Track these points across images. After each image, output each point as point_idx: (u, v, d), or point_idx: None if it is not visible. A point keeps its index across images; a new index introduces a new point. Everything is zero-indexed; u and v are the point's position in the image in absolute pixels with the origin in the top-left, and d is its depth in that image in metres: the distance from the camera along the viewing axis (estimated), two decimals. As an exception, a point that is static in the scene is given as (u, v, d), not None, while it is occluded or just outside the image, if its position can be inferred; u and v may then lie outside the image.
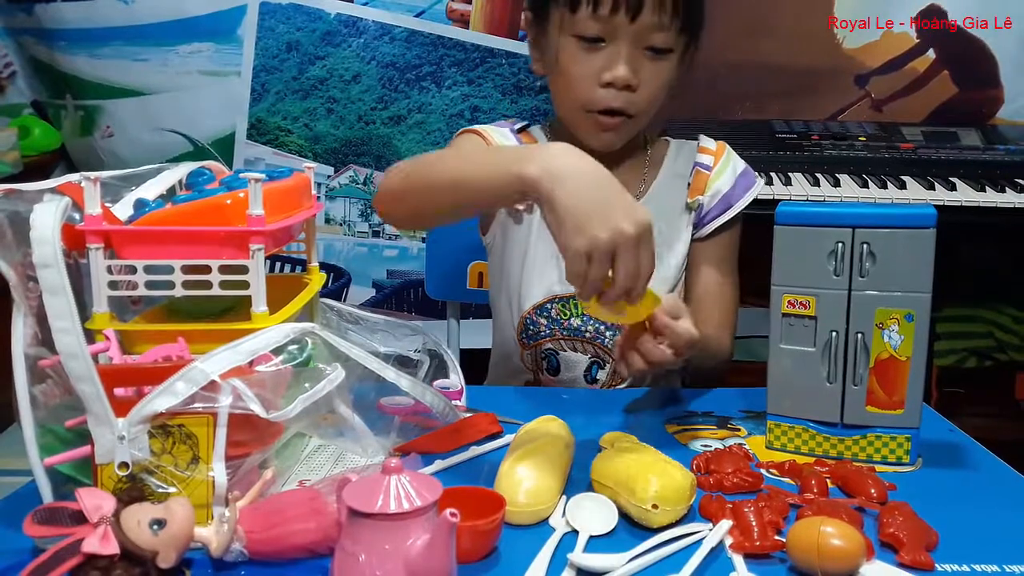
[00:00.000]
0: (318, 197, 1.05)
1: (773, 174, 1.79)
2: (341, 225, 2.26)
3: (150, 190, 0.78)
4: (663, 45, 0.98)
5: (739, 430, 0.88)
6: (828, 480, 0.75)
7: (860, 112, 2.15)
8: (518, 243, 1.11)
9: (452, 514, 0.53)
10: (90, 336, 0.68)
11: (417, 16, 2.11)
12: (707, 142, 1.15)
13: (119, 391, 0.64)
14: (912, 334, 0.77)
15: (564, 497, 0.71)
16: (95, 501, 0.57)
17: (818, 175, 1.85)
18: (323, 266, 0.92)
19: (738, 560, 0.63)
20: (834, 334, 0.79)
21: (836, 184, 1.80)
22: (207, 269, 0.70)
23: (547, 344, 1.10)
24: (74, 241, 0.67)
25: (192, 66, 2.17)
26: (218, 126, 2.21)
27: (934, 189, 1.80)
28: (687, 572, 0.60)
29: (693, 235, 1.12)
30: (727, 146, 1.15)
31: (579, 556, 0.62)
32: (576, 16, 0.97)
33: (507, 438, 0.83)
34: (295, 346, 0.70)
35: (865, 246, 0.77)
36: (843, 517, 0.64)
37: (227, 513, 0.61)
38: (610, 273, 0.71)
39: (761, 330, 0.89)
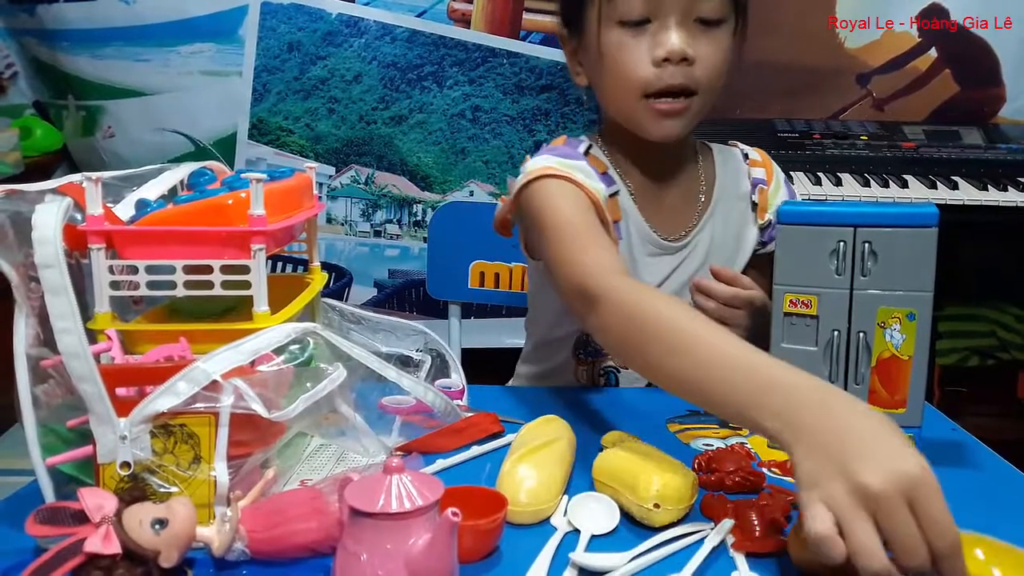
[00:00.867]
0: (319, 197, 1.05)
1: (775, 173, 1.79)
2: (343, 225, 2.26)
3: (152, 190, 0.78)
4: (713, 15, 0.91)
5: (741, 429, 0.88)
6: (830, 479, 0.75)
7: (862, 111, 2.16)
8: None
9: (454, 513, 0.53)
10: (92, 336, 0.68)
11: (418, 16, 2.11)
12: (753, 153, 1.11)
13: (121, 391, 0.64)
14: (914, 333, 0.77)
15: (566, 496, 0.71)
16: (97, 501, 0.57)
17: (820, 174, 1.85)
18: (325, 266, 0.92)
19: (740, 559, 0.63)
20: (836, 333, 0.79)
21: (838, 183, 1.80)
22: (209, 269, 0.70)
23: (608, 362, 1.07)
24: (76, 241, 0.68)
25: (193, 66, 2.17)
26: (219, 126, 2.21)
27: (936, 188, 1.80)
28: (689, 571, 0.60)
29: (756, 251, 1.09)
30: (765, 153, 1.12)
31: (581, 555, 0.62)
32: (616, 1, 0.92)
33: (509, 437, 0.83)
34: (297, 346, 0.70)
35: (867, 245, 0.77)
36: (845, 516, 0.64)
37: (229, 513, 0.61)
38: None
39: (763, 329, 0.88)
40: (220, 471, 0.64)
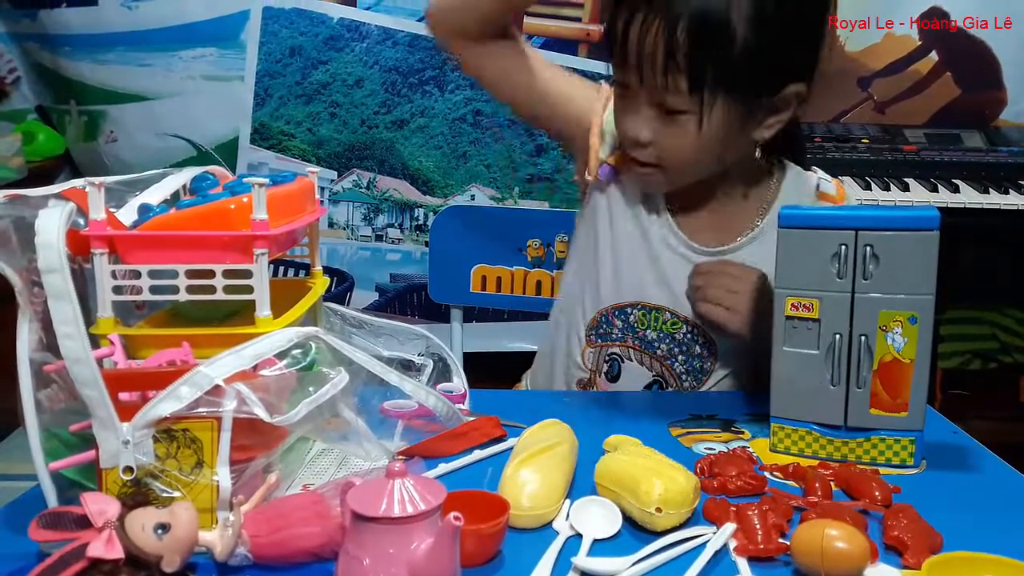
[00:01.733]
0: (321, 201, 1.05)
1: (776, 177, 1.79)
2: (344, 229, 2.26)
3: (154, 195, 0.78)
4: (675, 107, 0.89)
5: (743, 433, 0.88)
6: (832, 483, 0.75)
7: (863, 114, 2.15)
8: (626, 235, 1.03)
9: (456, 518, 0.53)
10: (95, 341, 0.68)
11: (419, 20, 2.12)
12: (828, 186, 1.05)
13: (124, 396, 0.64)
14: (915, 336, 0.77)
15: (568, 501, 0.71)
16: (100, 505, 0.57)
17: (821, 177, 1.85)
18: (326, 270, 0.92)
19: (742, 563, 0.63)
20: (838, 337, 0.79)
21: (839, 186, 1.80)
22: (211, 274, 0.70)
23: (614, 348, 1.06)
24: (78, 246, 0.68)
25: (195, 71, 2.17)
26: (221, 131, 2.22)
27: (937, 191, 1.81)
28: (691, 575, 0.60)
29: None
30: (845, 187, 1.08)
31: (583, 560, 0.62)
32: (613, 60, 0.93)
33: (511, 442, 0.83)
34: (299, 350, 0.70)
35: (868, 248, 0.77)
36: (847, 520, 0.64)
37: (231, 517, 0.61)
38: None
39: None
40: (223, 476, 0.64)
